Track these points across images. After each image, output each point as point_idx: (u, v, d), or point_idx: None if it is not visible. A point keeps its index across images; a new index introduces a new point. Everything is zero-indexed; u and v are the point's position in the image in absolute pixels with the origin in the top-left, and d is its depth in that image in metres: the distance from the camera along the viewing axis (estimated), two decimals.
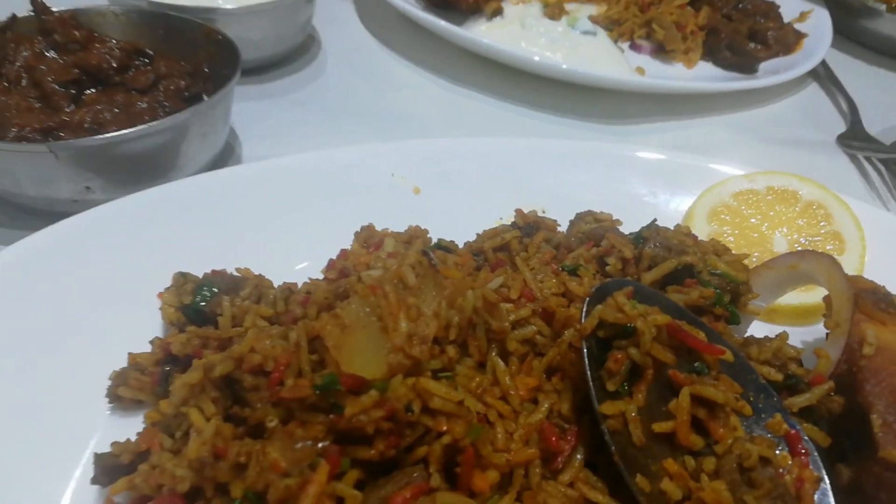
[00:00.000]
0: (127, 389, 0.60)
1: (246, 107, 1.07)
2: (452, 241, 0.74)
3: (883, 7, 1.39)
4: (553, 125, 1.14)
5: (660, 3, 1.32)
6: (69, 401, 0.61)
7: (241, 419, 0.51)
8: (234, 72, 0.90)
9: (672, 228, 0.71)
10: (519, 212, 0.79)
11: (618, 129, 1.14)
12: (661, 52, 1.29)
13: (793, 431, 0.54)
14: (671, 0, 1.32)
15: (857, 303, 0.62)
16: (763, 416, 0.54)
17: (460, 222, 0.83)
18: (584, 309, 0.54)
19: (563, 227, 0.83)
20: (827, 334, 0.63)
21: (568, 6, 1.38)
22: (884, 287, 0.67)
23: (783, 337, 0.62)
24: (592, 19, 1.34)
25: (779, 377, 0.57)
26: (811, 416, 0.56)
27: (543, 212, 0.89)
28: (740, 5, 1.38)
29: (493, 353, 0.56)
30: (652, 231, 0.70)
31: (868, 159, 1.10)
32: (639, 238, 0.70)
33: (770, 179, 0.87)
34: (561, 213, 0.84)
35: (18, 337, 0.63)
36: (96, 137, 0.76)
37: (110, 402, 0.62)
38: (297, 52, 1.22)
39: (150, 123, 0.78)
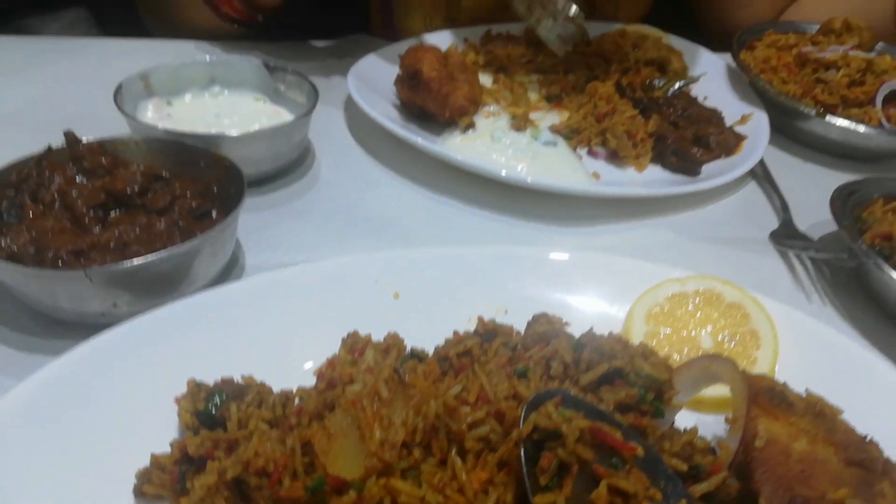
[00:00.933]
0: (150, 486, 0.72)
1: (249, 218, 1.21)
2: (424, 350, 0.87)
3: (813, 112, 1.57)
4: (518, 228, 1.29)
5: (613, 114, 1.49)
6: (101, 496, 0.73)
7: None
8: (241, 196, 1.05)
9: (606, 335, 0.85)
10: (480, 319, 0.93)
11: (575, 230, 1.30)
12: (616, 157, 1.45)
13: None
14: (623, 111, 1.50)
15: (756, 400, 0.75)
16: (671, 501, 0.67)
17: (435, 323, 0.98)
18: (522, 417, 0.67)
19: (523, 325, 0.97)
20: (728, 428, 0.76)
21: (533, 115, 1.57)
22: (783, 385, 0.80)
23: (693, 431, 0.75)
24: (554, 129, 1.51)
25: (684, 467, 0.70)
26: (711, 500, 0.69)
27: (506, 312, 1.03)
28: (685, 112, 1.55)
29: (453, 452, 0.68)
30: (589, 338, 0.84)
31: (797, 256, 1.24)
32: (578, 344, 0.84)
33: (698, 283, 1.02)
34: (522, 313, 0.98)
35: (60, 438, 0.76)
36: (126, 264, 0.90)
37: (136, 498, 0.74)
38: (294, 163, 1.38)
39: (169, 249, 0.93)
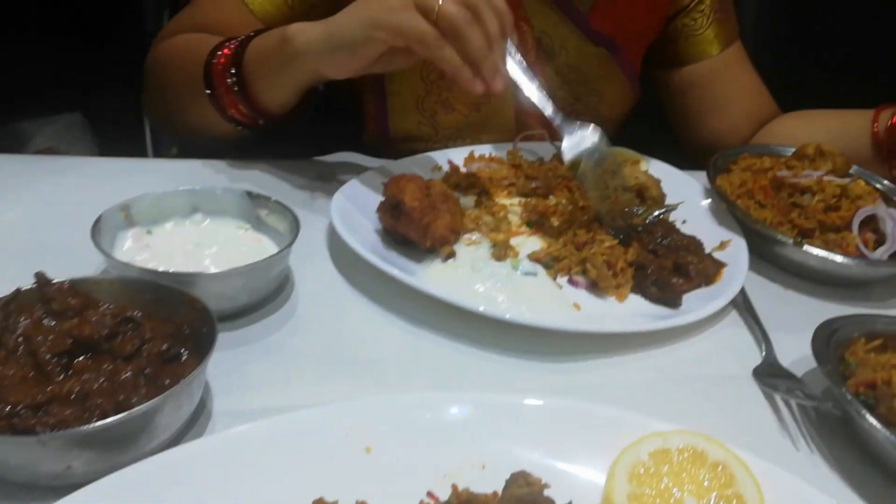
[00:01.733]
0: None
1: (220, 357, 1.18)
2: None
3: (790, 240, 1.59)
4: (499, 364, 1.26)
5: (592, 243, 1.50)
6: None
7: None
8: (212, 342, 1.03)
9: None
10: (454, 488, 0.89)
11: (557, 367, 1.28)
12: (596, 287, 1.45)
13: None
14: (602, 241, 1.51)
15: None
16: None
17: (409, 483, 0.94)
18: None
19: (501, 481, 0.93)
20: None
21: (515, 240, 1.58)
22: None
23: None
24: (534, 256, 1.52)
25: None
26: None
27: (483, 468, 0.99)
28: (664, 241, 1.57)
29: None
30: None
31: (785, 402, 1.21)
32: None
33: (681, 439, 0.98)
34: (500, 470, 0.94)
35: None
36: (81, 429, 0.86)
37: None
38: (272, 294, 1.36)
39: (129, 412, 0.89)
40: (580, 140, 1.70)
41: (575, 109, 2.11)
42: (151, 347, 1.07)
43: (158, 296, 1.13)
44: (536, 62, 1.99)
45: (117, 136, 3.14)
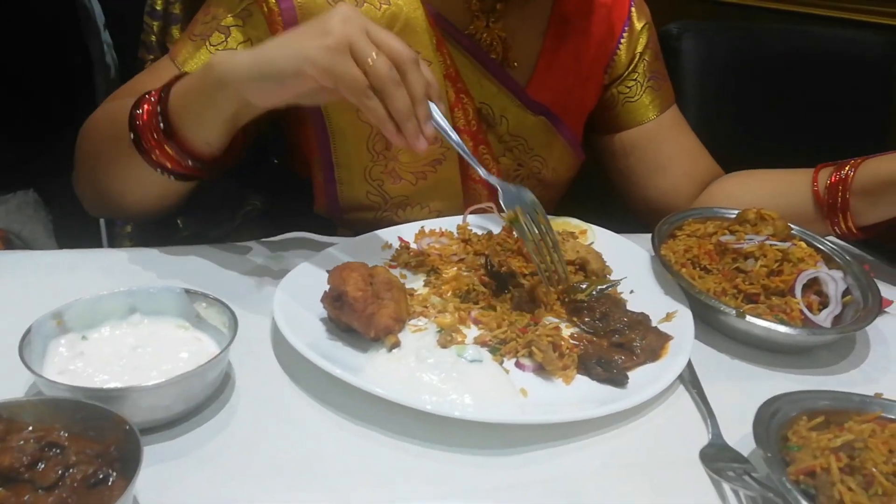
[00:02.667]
0: None
1: (151, 473, 1.15)
2: None
3: (733, 312, 1.60)
4: (444, 464, 1.24)
5: (536, 326, 1.50)
6: None
7: None
8: (136, 470, 0.99)
9: None
10: None
11: (502, 460, 1.26)
12: (543, 370, 1.44)
13: None
14: (546, 322, 1.51)
15: None
16: None
17: None
18: None
19: None
20: None
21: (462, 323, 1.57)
22: None
23: None
24: (480, 340, 1.51)
25: None
26: None
27: None
28: (606, 318, 1.57)
29: None
30: None
31: (734, 491, 1.20)
32: None
33: None
34: None
35: None
36: None
37: None
38: (211, 397, 1.33)
39: None
40: (517, 195, 1.72)
41: (519, 174, 2.15)
42: (76, 473, 1.03)
43: (86, 415, 1.10)
44: (479, 131, 2.03)
45: (71, 212, 3.11)
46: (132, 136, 1.56)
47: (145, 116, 1.54)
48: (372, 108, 1.31)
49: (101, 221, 3.01)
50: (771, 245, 1.82)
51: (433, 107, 1.44)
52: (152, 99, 1.55)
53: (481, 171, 1.70)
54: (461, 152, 1.63)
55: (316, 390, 1.38)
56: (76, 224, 2.89)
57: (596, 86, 2.17)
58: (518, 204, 1.68)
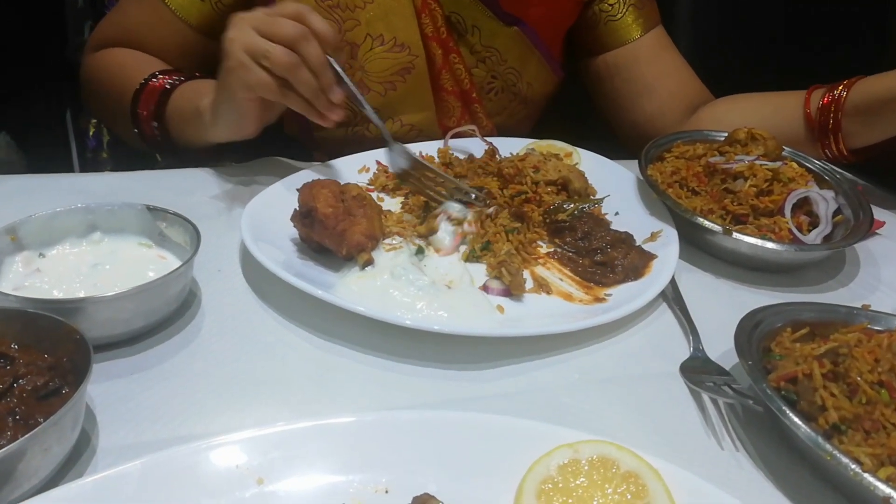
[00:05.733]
0: None
1: (109, 386, 1.11)
2: None
3: (720, 229, 1.55)
4: (417, 378, 1.20)
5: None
6: None
7: None
8: (84, 378, 0.95)
9: None
10: None
11: (478, 374, 1.22)
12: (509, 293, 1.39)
13: None
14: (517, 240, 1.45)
15: None
16: None
17: None
18: None
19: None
20: None
21: (434, 244, 1.51)
22: None
23: None
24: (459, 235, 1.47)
25: None
26: None
27: (386, 492, 0.93)
28: (588, 237, 1.52)
29: None
30: None
31: (713, 400, 1.17)
32: None
33: (592, 449, 0.93)
34: (405, 492, 0.89)
35: None
36: None
37: None
38: (175, 314, 1.28)
39: None
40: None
41: (493, 87, 2.07)
42: (25, 385, 0.98)
43: (35, 326, 1.05)
44: (449, 39, 1.94)
45: (45, 154, 3.03)
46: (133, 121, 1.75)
47: (145, 118, 1.73)
48: (291, 102, 1.46)
49: (76, 161, 2.93)
50: (761, 165, 1.75)
51: (331, 61, 1.48)
52: (150, 107, 1.71)
53: (373, 118, 1.66)
54: (357, 100, 1.58)
55: (285, 309, 1.33)
56: (51, 166, 2.81)
57: (574, 2, 2.08)
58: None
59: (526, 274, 1.44)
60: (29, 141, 3.16)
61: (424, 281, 1.36)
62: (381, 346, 1.25)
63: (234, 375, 1.17)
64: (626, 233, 1.57)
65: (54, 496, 0.83)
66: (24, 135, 3.15)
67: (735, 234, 1.53)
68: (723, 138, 1.91)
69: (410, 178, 1.65)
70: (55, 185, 1.70)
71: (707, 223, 1.57)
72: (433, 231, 1.52)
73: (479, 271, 1.46)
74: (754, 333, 1.18)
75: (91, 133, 2.67)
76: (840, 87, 1.89)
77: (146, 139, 1.78)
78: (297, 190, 1.47)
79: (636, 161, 1.85)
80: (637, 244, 1.56)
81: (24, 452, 0.85)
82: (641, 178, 1.81)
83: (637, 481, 0.89)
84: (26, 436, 0.84)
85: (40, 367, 1.01)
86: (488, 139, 1.92)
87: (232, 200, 1.68)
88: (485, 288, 1.41)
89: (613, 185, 1.79)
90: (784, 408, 1.01)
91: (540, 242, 1.57)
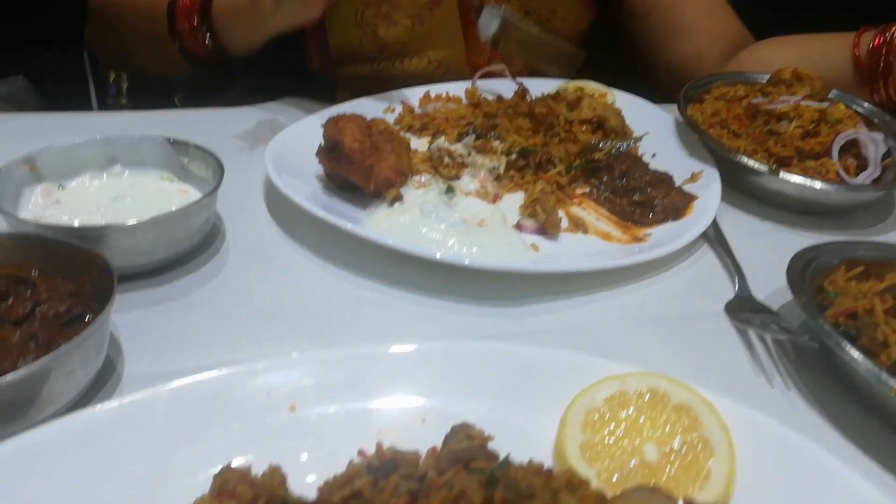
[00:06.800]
0: None
1: (134, 317, 1.07)
2: (301, 498, 0.72)
3: (765, 169, 1.47)
4: (450, 313, 1.15)
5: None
6: None
7: None
8: (108, 301, 0.91)
9: (527, 463, 0.71)
10: (378, 447, 0.78)
11: (513, 311, 1.17)
12: (544, 232, 1.33)
13: None
14: (552, 178, 1.39)
15: None
16: None
17: (336, 440, 0.83)
18: None
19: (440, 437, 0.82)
20: None
21: (463, 185, 1.45)
22: None
23: None
24: (485, 197, 1.40)
25: None
26: None
27: (423, 422, 0.89)
28: (626, 176, 1.45)
29: None
30: (502, 472, 0.69)
31: (760, 337, 1.12)
32: (492, 479, 0.69)
33: (640, 381, 0.88)
34: (441, 423, 0.84)
35: None
36: None
37: None
38: (198, 248, 1.24)
39: (2, 377, 0.77)
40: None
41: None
42: (47, 310, 0.95)
43: (57, 253, 1.01)
44: None
45: (63, 96, 2.98)
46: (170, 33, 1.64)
47: (183, 13, 1.62)
48: None
49: (94, 102, 2.88)
50: (807, 105, 1.66)
51: None
52: (194, 17, 1.61)
53: None
54: None
55: (312, 244, 1.28)
56: (68, 106, 2.76)
57: None
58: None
59: (560, 214, 1.37)
60: (47, 87, 3.11)
61: (455, 218, 1.31)
62: (411, 281, 1.20)
63: (261, 308, 1.13)
64: (665, 173, 1.50)
65: (79, 417, 0.80)
66: (43, 80, 3.11)
67: (782, 174, 1.46)
68: (765, 80, 1.82)
69: (501, 42, 1.57)
70: (74, 122, 1.66)
71: (752, 163, 1.49)
72: (459, 175, 1.46)
73: (512, 212, 1.40)
74: (807, 271, 1.12)
75: (111, 79, 2.62)
76: (893, 29, 1.79)
77: (191, 55, 1.67)
78: (322, 125, 1.41)
79: (671, 105, 1.77)
80: (677, 185, 1.49)
81: (47, 373, 0.81)
82: (679, 119, 1.73)
83: (689, 414, 0.84)
84: (49, 354, 0.81)
85: (62, 293, 0.97)
86: (519, 79, 1.84)
87: (254, 139, 1.62)
88: (518, 227, 1.35)
89: (650, 127, 1.71)
90: (843, 344, 0.95)
91: (574, 183, 1.50)
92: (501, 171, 1.43)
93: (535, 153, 1.44)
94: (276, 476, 0.74)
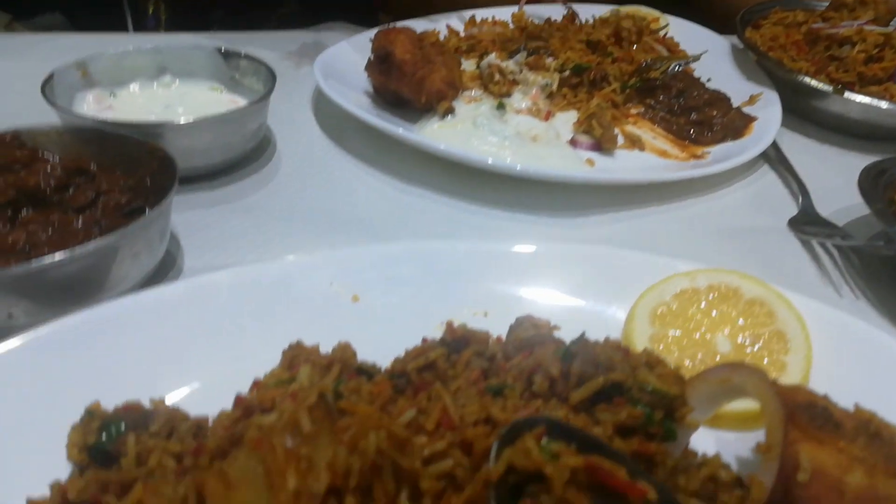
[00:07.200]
0: None
1: (192, 216, 1.07)
2: (375, 365, 0.72)
3: (829, 88, 1.42)
4: (505, 221, 1.13)
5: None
6: None
7: None
8: (171, 188, 0.90)
9: (602, 341, 0.70)
10: (449, 325, 0.77)
11: (568, 222, 1.14)
12: (600, 147, 1.30)
13: None
14: (607, 95, 1.35)
15: (794, 420, 0.59)
16: None
17: (400, 330, 0.82)
18: (493, 453, 0.51)
19: (505, 329, 0.81)
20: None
21: (514, 102, 1.41)
22: (824, 398, 0.64)
23: (715, 462, 0.59)
24: (537, 114, 1.36)
25: None
26: None
27: (486, 314, 0.87)
28: (684, 94, 1.40)
29: (403, 496, 0.53)
30: (580, 346, 0.68)
31: (822, 245, 1.09)
32: (567, 354, 0.68)
33: (711, 277, 0.86)
34: (504, 315, 0.83)
35: None
36: (17, 267, 0.75)
37: None
38: (251, 155, 1.23)
39: (72, 249, 0.77)
40: None
41: None
42: (108, 200, 0.94)
43: (116, 148, 1.00)
44: None
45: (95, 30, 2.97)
46: None
47: None
48: None
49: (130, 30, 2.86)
50: (871, 30, 1.59)
51: None
52: None
53: None
54: None
55: (362, 154, 1.26)
56: None
57: None
58: None
59: (615, 132, 1.33)
60: (83, 22, 3.09)
61: (509, 131, 1.28)
62: (462, 191, 1.18)
63: (316, 211, 1.12)
64: (723, 92, 1.45)
65: (147, 295, 0.80)
66: (78, 15, 3.09)
67: (847, 94, 1.40)
68: (825, 5, 1.74)
69: None
70: (115, 41, 1.64)
71: (815, 83, 1.43)
72: (510, 92, 1.42)
73: (565, 129, 1.36)
74: (879, 182, 1.08)
75: (150, 11, 2.59)
76: None
77: None
78: (371, 39, 1.38)
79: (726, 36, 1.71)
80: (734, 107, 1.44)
81: (115, 251, 0.81)
82: (735, 45, 1.66)
83: (763, 308, 0.82)
84: (118, 231, 0.80)
85: (122, 187, 0.97)
86: (568, 3, 1.78)
87: (299, 59, 1.60)
88: (573, 143, 1.31)
89: (705, 49, 1.65)
90: None
91: (629, 103, 1.45)
92: (554, 87, 1.38)
93: (589, 70, 1.40)
94: (347, 350, 0.73)
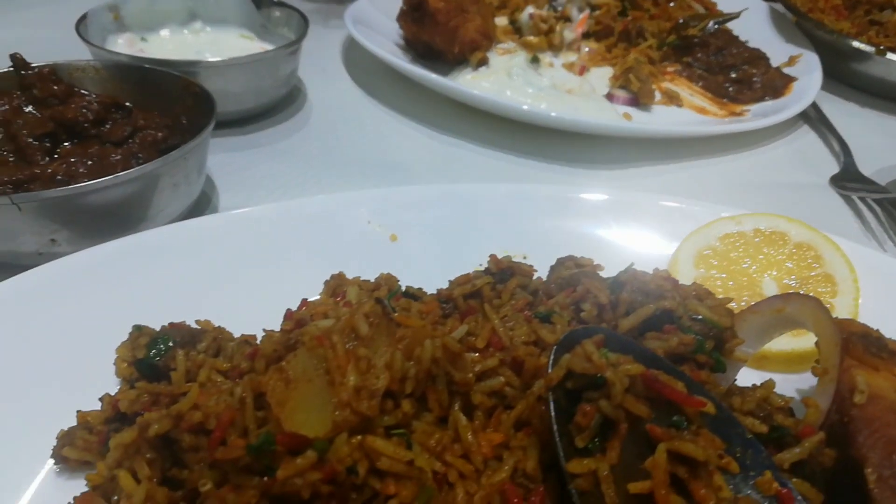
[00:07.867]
0: (72, 450, 0.56)
1: (226, 158, 1.06)
2: (420, 289, 0.71)
3: (872, 49, 1.38)
4: (540, 171, 1.12)
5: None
6: (11, 461, 0.57)
7: (180, 482, 0.47)
8: (210, 122, 0.89)
9: (651, 273, 0.68)
10: (493, 257, 0.76)
11: (605, 173, 1.13)
12: (636, 102, 1.28)
13: (784, 490, 0.50)
14: (644, 51, 1.32)
15: (847, 348, 0.58)
16: (751, 473, 0.50)
17: (437, 269, 0.81)
18: (552, 358, 0.50)
19: (544, 274, 0.80)
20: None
21: (548, 58, 1.40)
22: (877, 331, 0.63)
23: (769, 385, 0.58)
24: (571, 69, 1.34)
25: (763, 429, 0.53)
26: (802, 471, 0.52)
27: (524, 258, 0.86)
28: (722, 52, 1.37)
29: (456, 407, 0.52)
30: (629, 275, 0.67)
31: (863, 200, 1.07)
32: (616, 283, 0.67)
33: (757, 221, 0.84)
34: (543, 258, 0.81)
35: None
36: (59, 189, 0.75)
37: (56, 463, 0.58)
38: (282, 103, 1.22)
39: (115, 174, 0.77)
40: None
41: None
42: (145, 136, 0.93)
43: (152, 85, 0.99)
44: None
45: None
46: None
47: None
48: None
49: None
50: None
51: None
52: None
53: None
54: None
55: (394, 104, 1.25)
56: None
57: None
58: None
59: (652, 87, 1.31)
60: None
61: (544, 82, 1.26)
62: (495, 141, 1.17)
63: (349, 157, 1.11)
64: (762, 52, 1.42)
65: (190, 223, 0.80)
66: None
67: (889, 55, 1.36)
68: None
69: None
70: None
71: (857, 44, 1.40)
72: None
73: (601, 85, 1.34)
74: None
75: None
76: None
77: None
78: None
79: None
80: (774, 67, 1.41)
81: (156, 178, 0.81)
82: (774, 7, 1.63)
83: (811, 252, 0.80)
84: (159, 159, 0.80)
85: (158, 124, 0.96)
86: None
87: (327, 14, 1.58)
88: (609, 97, 1.29)
89: (742, 13, 1.61)
90: None
91: (665, 61, 1.43)
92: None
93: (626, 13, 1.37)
94: (391, 278, 0.73)
